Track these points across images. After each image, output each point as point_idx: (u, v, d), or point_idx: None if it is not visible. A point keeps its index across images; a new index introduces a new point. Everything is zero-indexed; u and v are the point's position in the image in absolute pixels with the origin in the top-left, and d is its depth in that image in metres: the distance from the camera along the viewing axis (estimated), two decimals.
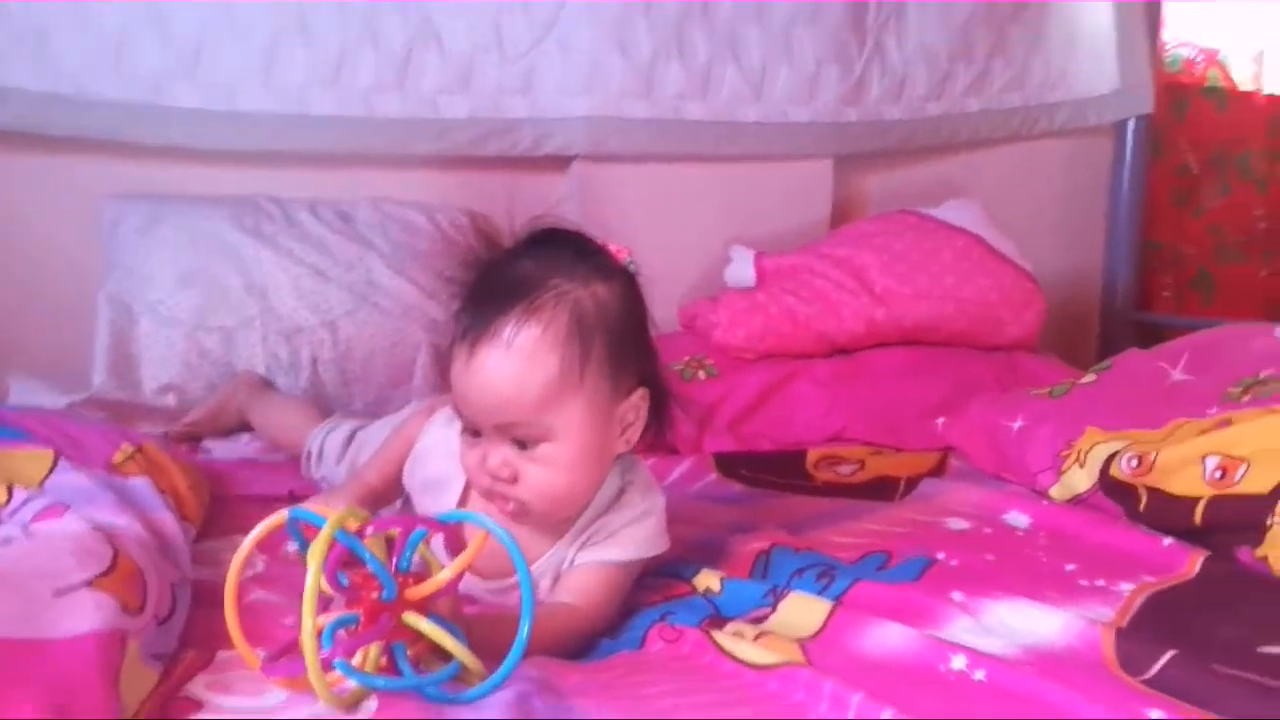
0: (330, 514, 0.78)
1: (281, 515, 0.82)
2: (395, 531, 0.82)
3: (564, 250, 0.93)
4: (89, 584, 0.78)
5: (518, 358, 0.87)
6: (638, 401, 0.93)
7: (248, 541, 0.81)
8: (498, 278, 0.91)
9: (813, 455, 1.45)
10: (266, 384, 1.49)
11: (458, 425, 0.95)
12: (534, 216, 0.97)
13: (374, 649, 0.79)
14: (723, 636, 0.88)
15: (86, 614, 0.75)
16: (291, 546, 0.86)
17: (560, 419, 0.88)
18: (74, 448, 1.06)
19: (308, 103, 1.65)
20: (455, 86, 1.73)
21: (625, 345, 0.92)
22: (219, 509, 1.16)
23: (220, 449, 1.40)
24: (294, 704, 0.77)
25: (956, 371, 1.62)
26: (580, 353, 0.88)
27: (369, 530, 0.81)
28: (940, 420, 1.47)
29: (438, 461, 1.00)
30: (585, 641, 0.93)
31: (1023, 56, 2.10)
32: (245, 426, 1.44)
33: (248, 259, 1.52)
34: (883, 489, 1.33)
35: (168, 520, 0.98)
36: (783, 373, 1.60)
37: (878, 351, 1.68)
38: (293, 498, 1.22)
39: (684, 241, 1.82)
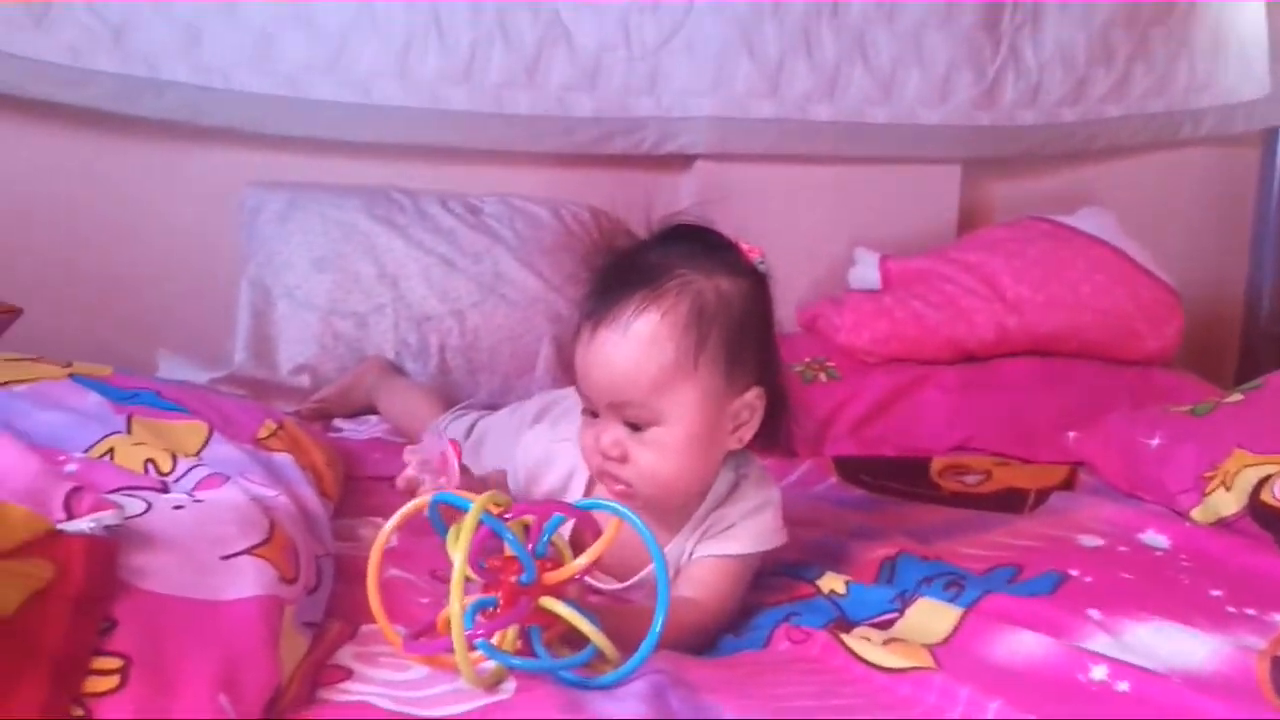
0: (475, 498, 0.80)
1: (425, 498, 0.84)
2: (530, 519, 0.84)
3: (695, 245, 0.95)
4: (250, 551, 0.82)
5: (635, 340, 0.89)
6: (752, 400, 0.94)
7: (392, 522, 0.83)
8: (626, 265, 0.94)
9: (937, 463, 1.42)
10: (395, 369, 1.53)
11: (561, 431, 1.00)
12: (672, 213, 0.99)
13: (510, 632, 0.81)
14: (851, 639, 0.87)
15: (249, 580, 0.78)
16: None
17: (671, 404, 0.90)
18: (224, 422, 1.11)
19: (440, 98, 1.69)
20: (582, 84, 1.75)
21: (745, 341, 0.93)
22: (350, 487, 1.20)
23: (350, 428, 1.45)
24: (435, 679, 0.79)
25: (1089, 384, 1.56)
26: (696, 341, 0.90)
27: (508, 516, 0.83)
28: (1072, 434, 1.42)
29: (555, 472, 1.02)
30: (707, 636, 0.94)
31: (1166, 60, 2.01)
32: (372, 409, 1.48)
33: (380, 248, 1.57)
34: (1011, 500, 1.29)
35: (310, 495, 1.02)
36: (908, 378, 1.57)
37: (1008, 360, 1.63)
38: None
39: (806, 242, 1.80)
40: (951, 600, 0.92)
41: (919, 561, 1.03)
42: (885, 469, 1.39)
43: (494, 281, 1.57)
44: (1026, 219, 1.82)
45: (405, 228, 1.60)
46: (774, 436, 0.98)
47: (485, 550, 0.81)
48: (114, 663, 0.67)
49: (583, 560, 0.82)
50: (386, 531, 0.83)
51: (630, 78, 1.76)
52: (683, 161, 1.81)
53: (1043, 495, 1.29)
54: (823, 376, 1.58)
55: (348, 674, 0.80)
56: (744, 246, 0.98)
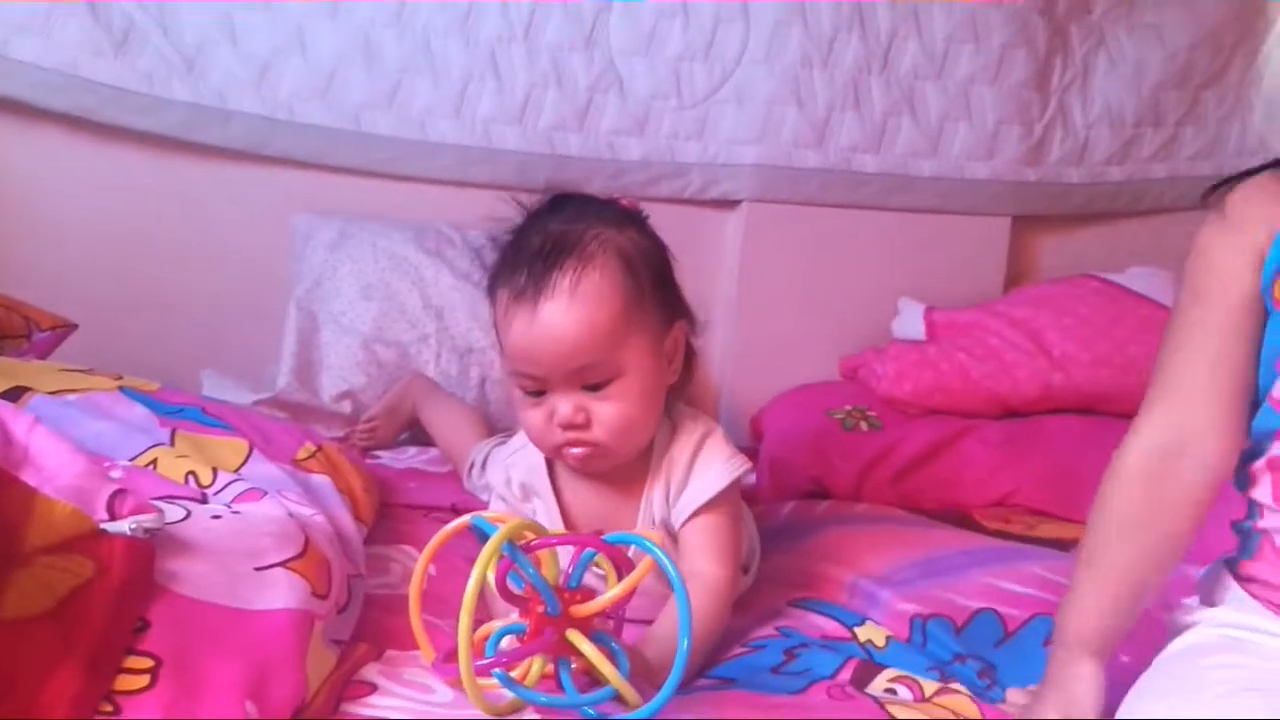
0: (503, 525, 0.80)
1: (464, 521, 0.84)
2: (554, 551, 0.83)
3: (585, 207, 0.99)
4: (284, 564, 0.82)
5: (584, 303, 0.91)
6: (678, 333, 0.99)
7: (435, 540, 0.83)
8: (535, 241, 0.95)
9: (978, 517, 1.39)
10: (437, 385, 1.54)
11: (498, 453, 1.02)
12: (546, 185, 1.05)
13: (537, 661, 0.80)
14: (897, 708, 0.84)
15: (281, 592, 0.79)
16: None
17: (627, 354, 0.93)
18: (265, 441, 1.12)
19: (492, 137, 1.72)
20: (631, 129, 1.78)
21: (665, 280, 0.98)
22: (384, 514, 1.20)
23: (388, 457, 1.46)
24: (460, 704, 0.78)
25: None
26: (635, 289, 0.94)
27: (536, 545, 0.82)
28: None
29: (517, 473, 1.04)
30: (729, 601, 0.95)
31: (1217, 123, 2.00)
32: (414, 424, 1.50)
33: (427, 279, 1.60)
34: (1056, 543, 1.26)
35: (345, 517, 1.02)
36: (950, 430, 1.54)
37: (1052, 417, 1.60)
38: (455, 510, 1.26)
39: (850, 290, 1.80)
40: (984, 691, 0.90)
41: (952, 632, 1.00)
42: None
43: None
44: (1076, 276, 1.80)
45: (453, 260, 1.62)
46: (688, 369, 1.02)
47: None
48: (145, 662, 0.68)
49: (612, 594, 0.81)
50: (433, 545, 0.82)
51: (679, 124, 1.79)
52: (730, 202, 1.83)
53: None
54: (864, 425, 1.56)
55: (372, 689, 0.80)
56: (621, 201, 1.03)
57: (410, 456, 1.46)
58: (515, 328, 0.93)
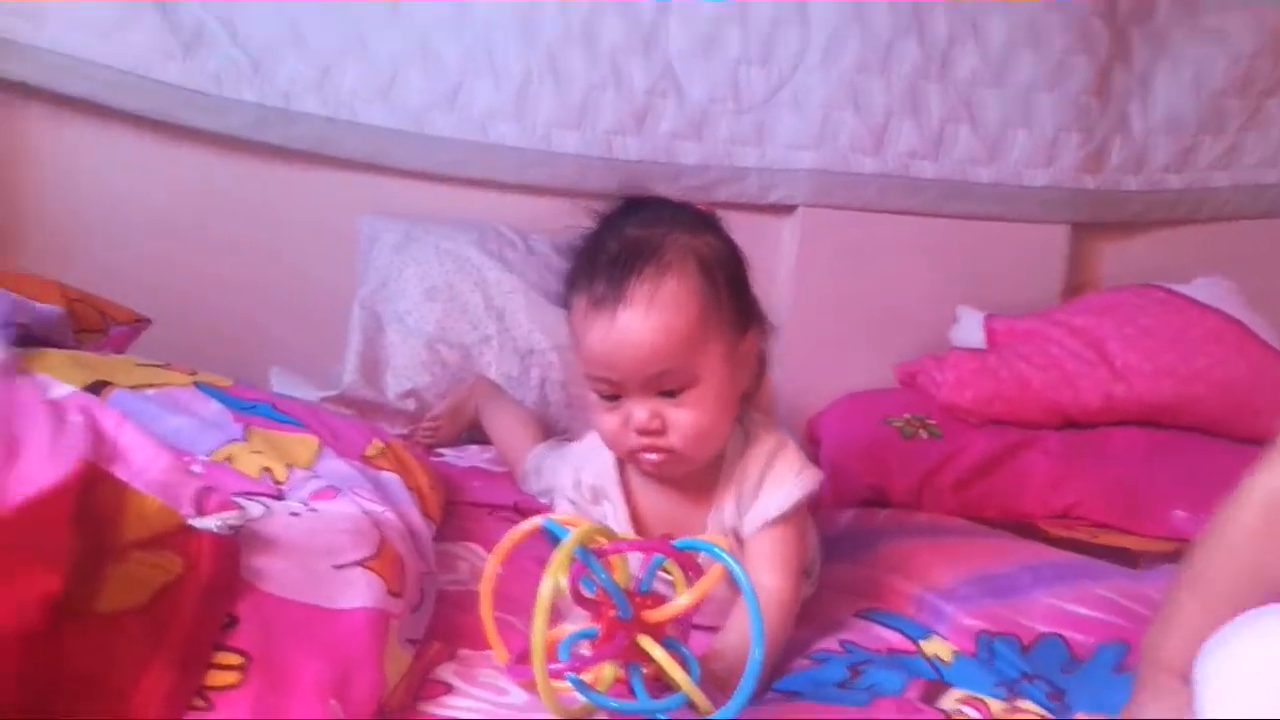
0: (575, 529, 0.81)
1: (535, 523, 0.85)
2: (626, 556, 0.83)
3: (660, 212, 0.98)
4: (361, 563, 0.83)
5: (663, 309, 0.91)
6: (752, 339, 0.98)
7: (506, 541, 0.84)
8: (612, 246, 0.94)
9: (1043, 525, 1.38)
10: (501, 389, 1.56)
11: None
12: (620, 189, 1.03)
13: (609, 666, 0.80)
14: None
15: (360, 591, 0.80)
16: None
17: (704, 360, 0.93)
18: (334, 438, 1.13)
19: (552, 140, 1.74)
20: (689, 133, 1.78)
21: (741, 286, 0.98)
22: (449, 512, 1.21)
23: (451, 455, 1.47)
24: (534, 706, 0.79)
25: (1200, 460, 1.50)
26: (713, 295, 0.93)
27: (608, 550, 0.83)
28: (1179, 513, 1.37)
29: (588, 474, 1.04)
30: (794, 613, 0.96)
31: None
32: (477, 426, 1.51)
33: (489, 281, 1.61)
34: (1122, 556, 1.25)
35: (415, 515, 1.03)
36: (1011, 440, 1.53)
37: (1116, 429, 1.58)
38: (517, 509, 1.27)
39: (908, 296, 1.79)
40: (1055, 713, 0.89)
41: (1018, 650, 0.99)
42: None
43: None
44: (1140, 285, 1.78)
45: (514, 262, 1.64)
46: (759, 376, 1.02)
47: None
48: (235, 659, 0.69)
49: (684, 601, 0.81)
50: (503, 546, 0.83)
51: (736, 129, 1.79)
52: (787, 207, 1.83)
53: (1153, 561, 1.24)
54: (923, 433, 1.55)
55: (447, 689, 0.81)
56: (697, 205, 1.02)
57: (473, 455, 1.48)
58: (593, 334, 0.93)
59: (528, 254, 1.66)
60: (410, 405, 1.54)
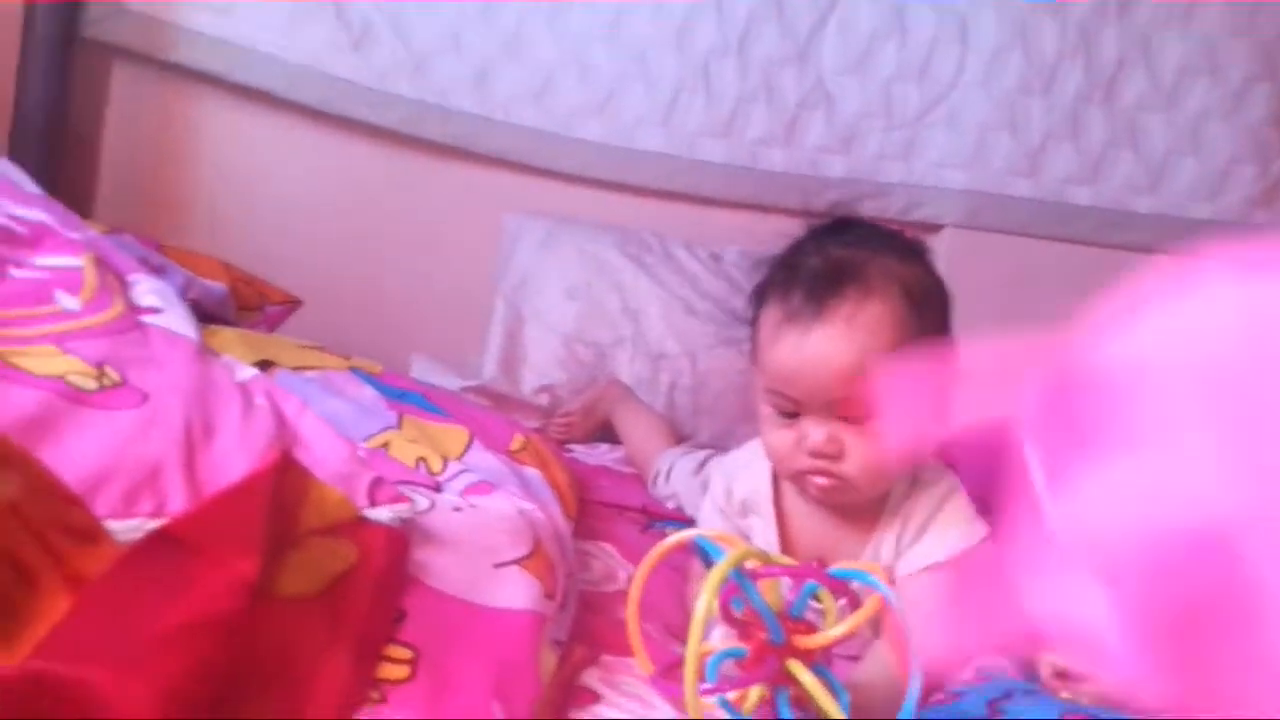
0: (730, 548, 0.80)
1: (686, 536, 0.85)
2: (782, 581, 0.83)
3: (869, 235, 0.95)
4: (519, 563, 0.84)
5: (861, 331, 0.88)
6: None
7: (655, 552, 0.84)
8: (814, 262, 0.92)
9: None
10: (632, 391, 1.57)
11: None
12: (830, 206, 0.99)
13: (755, 689, 0.80)
14: None
15: (519, 591, 0.81)
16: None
17: None
18: (481, 430, 1.15)
19: (698, 149, 1.74)
20: (837, 147, 1.76)
21: (943, 323, 0.94)
22: (580, 510, 1.22)
23: (580, 452, 1.49)
24: None
25: None
26: (915, 327, 0.90)
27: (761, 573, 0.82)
28: None
29: (740, 485, 1.02)
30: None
31: None
32: (606, 425, 1.53)
33: (627, 284, 1.63)
34: None
35: (558, 513, 1.04)
36: None
37: None
38: (645, 512, 1.27)
39: (1056, 325, 1.72)
40: None
41: None
42: None
43: (729, 329, 1.59)
44: None
45: (652, 267, 1.65)
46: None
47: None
48: (405, 653, 0.70)
49: (838, 630, 0.80)
50: (652, 557, 0.83)
51: (885, 145, 1.76)
52: (934, 226, 1.79)
53: None
54: None
55: (596, 697, 0.81)
56: (906, 234, 0.99)
57: (603, 453, 1.49)
58: (782, 348, 0.91)
59: (666, 259, 1.66)
60: (544, 400, 1.57)
